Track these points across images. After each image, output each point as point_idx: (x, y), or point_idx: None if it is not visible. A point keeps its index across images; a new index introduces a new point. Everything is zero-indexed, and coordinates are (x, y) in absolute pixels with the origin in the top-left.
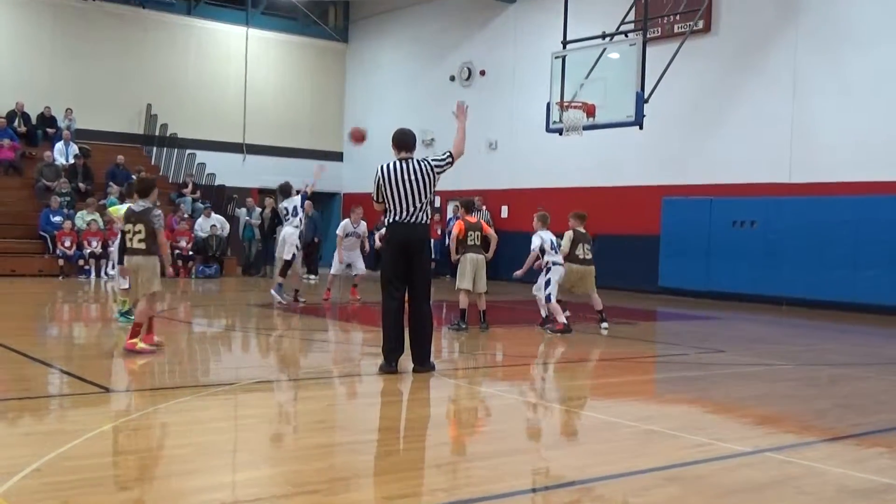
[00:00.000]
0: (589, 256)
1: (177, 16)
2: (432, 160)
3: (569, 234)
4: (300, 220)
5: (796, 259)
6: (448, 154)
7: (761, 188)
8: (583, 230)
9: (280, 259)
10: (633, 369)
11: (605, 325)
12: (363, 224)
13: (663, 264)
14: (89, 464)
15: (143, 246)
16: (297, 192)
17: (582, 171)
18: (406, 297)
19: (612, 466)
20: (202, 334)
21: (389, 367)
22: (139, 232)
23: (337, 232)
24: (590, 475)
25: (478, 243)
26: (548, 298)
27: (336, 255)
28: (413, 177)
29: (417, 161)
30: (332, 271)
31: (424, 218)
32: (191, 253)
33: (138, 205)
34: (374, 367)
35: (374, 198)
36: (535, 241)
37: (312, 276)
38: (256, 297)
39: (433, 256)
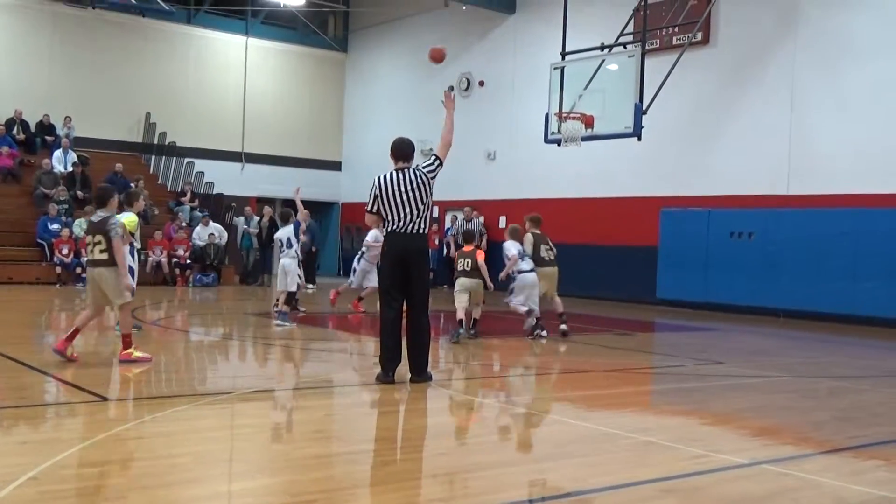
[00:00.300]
0: (552, 257)
1: (176, 25)
2: (423, 167)
3: (528, 238)
4: (296, 251)
5: (794, 271)
6: (434, 157)
7: (759, 200)
8: (539, 232)
9: (283, 291)
10: (631, 380)
11: (564, 326)
12: None
13: (661, 275)
14: (85, 472)
15: (105, 256)
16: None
17: (580, 181)
18: (404, 308)
19: (610, 477)
20: (199, 343)
21: (386, 377)
22: (99, 243)
23: (368, 241)
24: (588, 486)
25: (468, 269)
26: (511, 302)
27: (358, 266)
28: (409, 186)
29: (413, 170)
30: (353, 284)
31: (423, 227)
32: (188, 261)
33: (97, 215)
34: (372, 376)
35: (369, 207)
36: (512, 249)
37: (311, 286)
38: (254, 305)
39: (431, 266)
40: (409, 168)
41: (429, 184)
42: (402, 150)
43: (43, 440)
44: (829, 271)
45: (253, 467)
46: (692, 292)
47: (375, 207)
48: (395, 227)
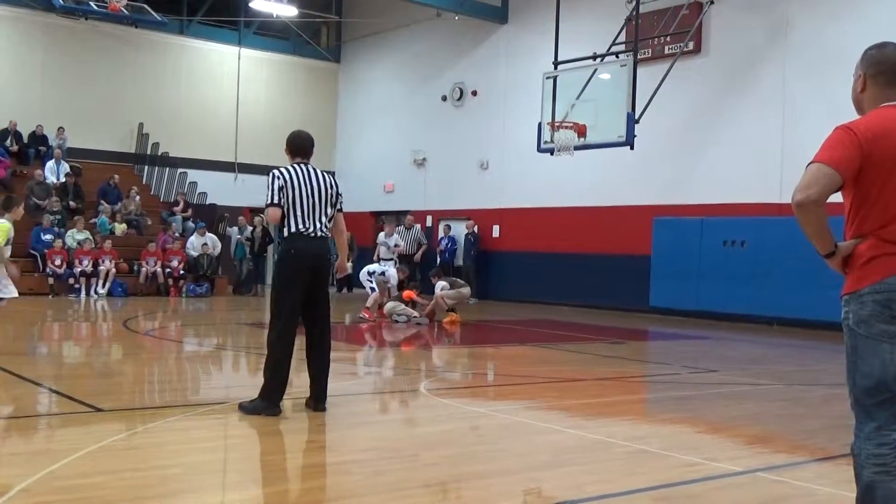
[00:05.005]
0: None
1: (169, 35)
2: (337, 191)
3: None
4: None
5: (787, 279)
6: (340, 207)
7: (752, 208)
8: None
9: None
10: (625, 388)
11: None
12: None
13: (654, 284)
14: (78, 483)
15: None
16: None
17: (573, 191)
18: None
19: (604, 486)
20: (192, 353)
21: (275, 409)
22: None
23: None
24: (583, 495)
25: None
26: None
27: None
28: (320, 183)
29: (321, 171)
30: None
31: (327, 231)
32: (182, 272)
33: None
34: (366, 385)
35: (275, 199)
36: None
37: None
38: (247, 315)
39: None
40: (310, 164)
41: (335, 196)
42: (297, 145)
43: (35, 451)
44: (821, 280)
45: (246, 478)
46: (685, 301)
47: (282, 199)
48: (302, 227)
